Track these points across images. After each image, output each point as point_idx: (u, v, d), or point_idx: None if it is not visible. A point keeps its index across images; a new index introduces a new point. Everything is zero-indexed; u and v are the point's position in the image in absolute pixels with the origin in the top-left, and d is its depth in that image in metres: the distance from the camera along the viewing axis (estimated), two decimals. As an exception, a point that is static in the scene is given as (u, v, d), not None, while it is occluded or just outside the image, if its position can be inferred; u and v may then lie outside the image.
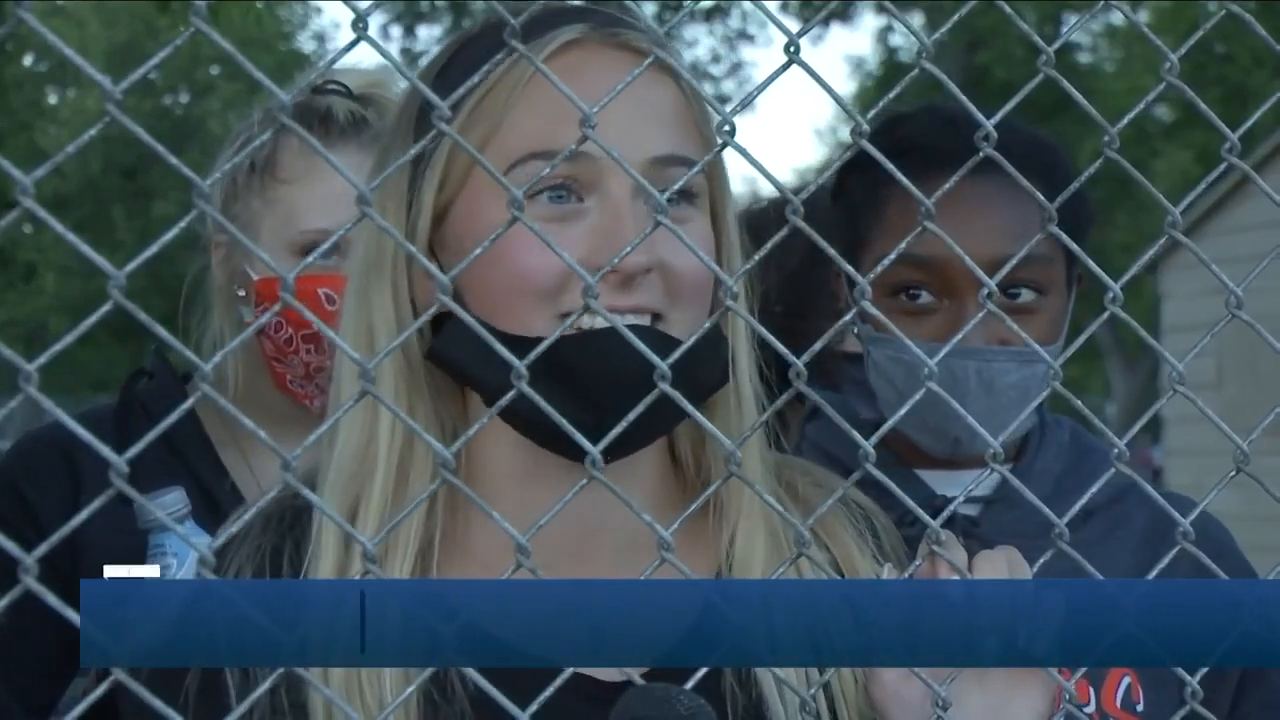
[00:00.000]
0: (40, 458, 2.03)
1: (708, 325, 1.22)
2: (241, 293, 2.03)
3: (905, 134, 1.72)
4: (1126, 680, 1.75)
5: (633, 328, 1.25)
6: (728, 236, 1.37)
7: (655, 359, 1.06)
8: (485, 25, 1.37)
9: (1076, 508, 1.26)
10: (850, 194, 1.78)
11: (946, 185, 1.20)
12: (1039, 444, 1.83)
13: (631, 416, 1.07)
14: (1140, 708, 1.74)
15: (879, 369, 1.77)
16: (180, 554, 1.83)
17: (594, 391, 1.15)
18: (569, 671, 1.02)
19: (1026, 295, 1.72)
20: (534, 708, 1.00)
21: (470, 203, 1.32)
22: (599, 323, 1.26)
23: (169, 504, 1.82)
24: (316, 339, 1.97)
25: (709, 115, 1.35)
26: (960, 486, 1.74)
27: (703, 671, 1.10)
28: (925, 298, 1.73)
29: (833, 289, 1.89)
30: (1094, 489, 1.30)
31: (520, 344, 1.20)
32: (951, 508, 1.26)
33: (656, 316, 1.28)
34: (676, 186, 1.20)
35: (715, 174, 1.38)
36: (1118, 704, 1.74)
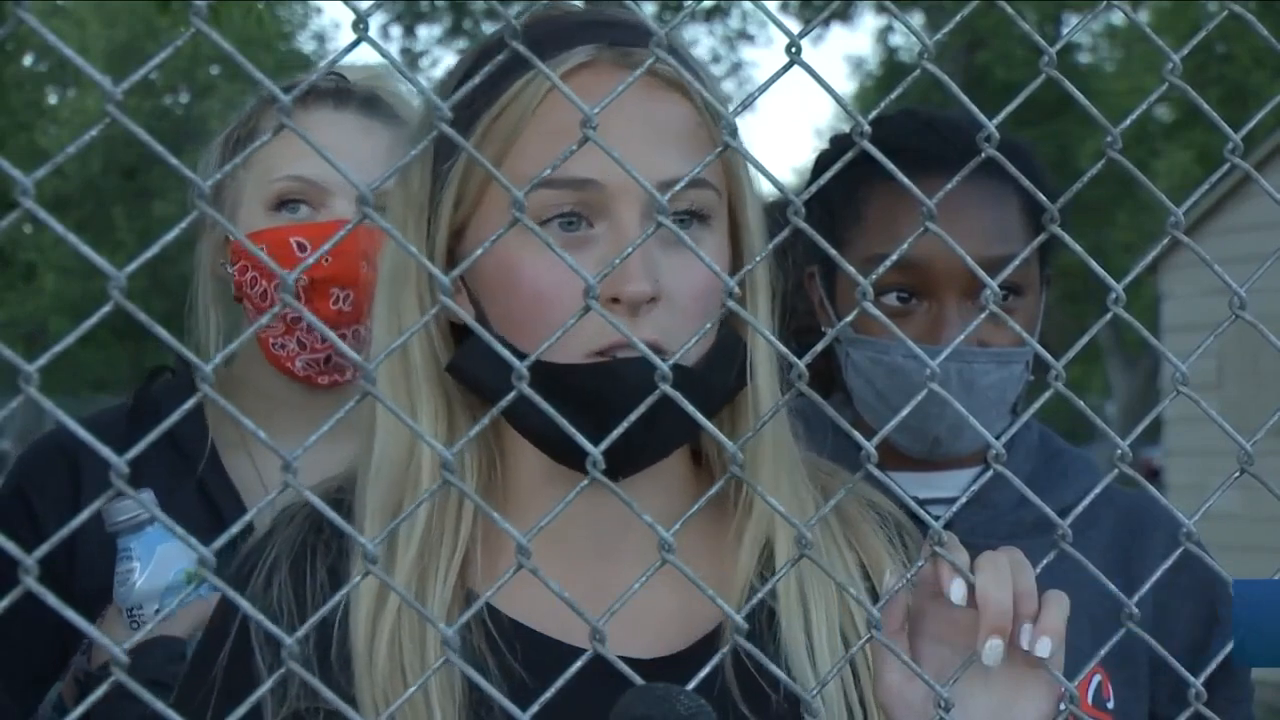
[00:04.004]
0: (44, 460, 2.02)
1: (709, 326, 1.21)
2: (230, 268, 1.99)
3: (882, 137, 1.72)
4: (1097, 679, 1.76)
5: (643, 358, 1.25)
6: (750, 257, 1.34)
7: (657, 361, 1.06)
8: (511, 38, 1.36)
9: (1081, 506, 1.26)
10: (827, 196, 1.77)
11: (949, 185, 1.20)
12: (1007, 446, 1.83)
13: (633, 417, 1.06)
14: (1111, 704, 1.76)
15: (858, 370, 1.77)
16: (143, 558, 1.80)
17: (609, 418, 1.12)
18: (578, 665, 1.02)
19: (1007, 297, 1.74)
20: (535, 709, 1.00)
21: (484, 220, 1.32)
22: (618, 354, 1.26)
23: (132, 507, 1.78)
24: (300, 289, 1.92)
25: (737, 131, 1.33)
26: (930, 488, 1.76)
27: (705, 671, 1.09)
28: (905, 299, 1.74)
29: (805, 291, 1.89)
30: (1097, 489, 1.30)
31: (544, 370, 1.20)
32: (955, 508, 1.26)
33: (658, 351, 1.27)
34: (674, 190, 1.19)
35: (737, 193, 1.35)
36: (1089, 702, 1.75)
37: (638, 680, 1.09)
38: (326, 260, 1.85)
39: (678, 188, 1.16)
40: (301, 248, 1.90)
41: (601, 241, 1.27)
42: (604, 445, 1.03)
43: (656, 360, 1.06)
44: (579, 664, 1.01)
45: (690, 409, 1.08)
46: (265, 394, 1.98)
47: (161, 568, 1.80)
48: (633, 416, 1.06)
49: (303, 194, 1.94)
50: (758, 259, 1.26)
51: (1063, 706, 1.24)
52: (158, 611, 1.79)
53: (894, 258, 1.20)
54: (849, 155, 1.16)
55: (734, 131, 1.13)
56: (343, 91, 2.01)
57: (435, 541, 1.33)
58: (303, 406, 1.96)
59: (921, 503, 1.23)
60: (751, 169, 1.34)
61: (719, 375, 1.32)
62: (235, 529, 0.91)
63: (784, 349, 1.18)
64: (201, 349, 2.00)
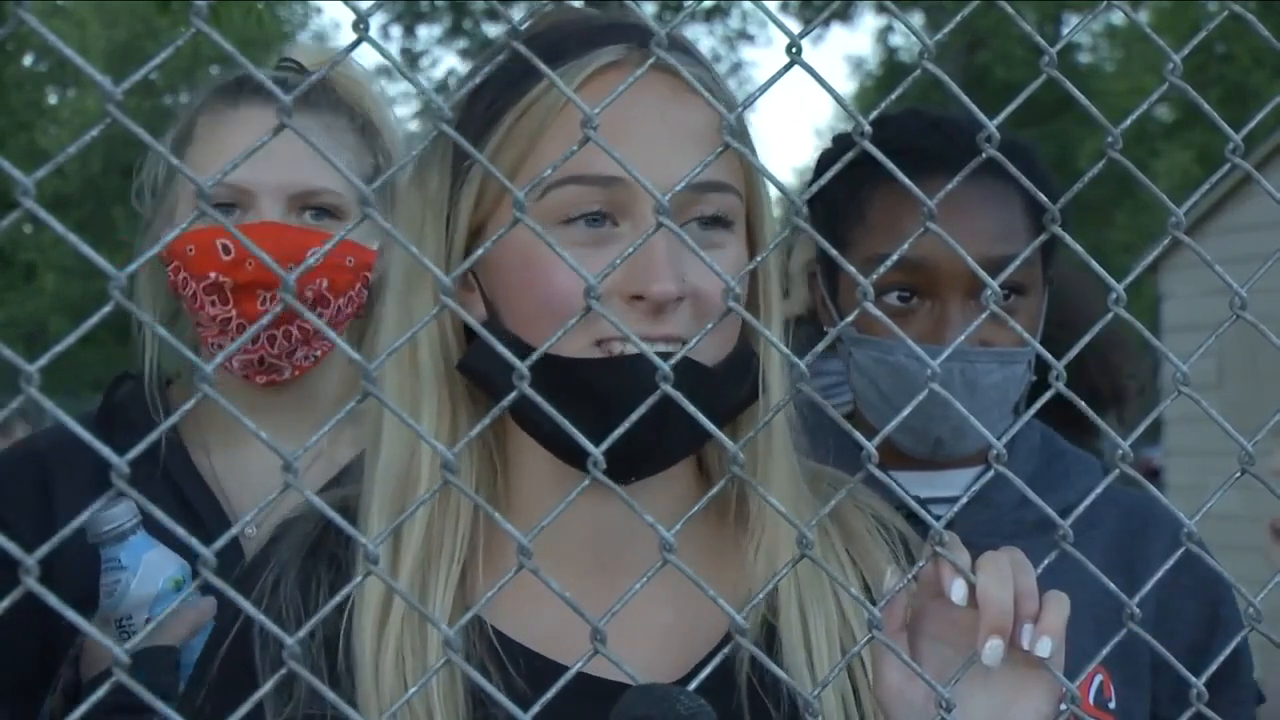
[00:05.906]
0: (11, 471, 2.03)
1: (710, 325, 1.21)
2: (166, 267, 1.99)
3: (889, 137, 1.72)
4: (1099, 679, 1.76)
5: (661, 355, 1.25)
6: (764, 262, 1.33)
7: (658, 361, 1.05)
8: (530, 38, 1.35)
9: (1083, 506, 1.26)
10: (831, 196, 1.76)
11: (949, 185, 1.20)
12: (1009, 446, 1.83)
13: (634, 418, 1.06)
14: (1112, 704, 1.76)
15: (861, 370, 1.77)
16: (131, 566, 1.80)
17: (617, 415, 1.09)
18: (573, 671, 1.01)
19: (1009, 296, 1.74)
20: (536, 709, 1.00)
21: (502, 220, 1.31)
22: (630, 349, 1.26)
23: (117, 516, 1.78)
24: (218, 289, 1.93)
25: (749, 135, 1.31)
26: (933, 487, 1.75)
27: (705, 672, 1.09)
28: (907, 299, 1.74)
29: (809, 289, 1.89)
30: (1098, 489, 1.30)
31: (552, 364, 1.20)
32: (956, 508, 1.26)
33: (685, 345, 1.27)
34: (685, 189, 1.18)
35: (754, 197, 1.35)
36: (1091, 701, 1.75)
37: (639, 681, 1.09)
38: (250, 264, 1.89)
39: (678, 187, 1.15)
40: (226, 250, 1.91)
41: (625, 240, 1.27)
42: (605, 445, 1.02)
43: (658, 361, 1.05)
44: (581, 664, 1.01)
45: (691, 409, 1.07)
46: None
47: (150, 576, 1.80)
48: (634, 416, 1.06)
49: (231, 198, 1.94)
50: (754, 261, 1.26)
51: (1064, 707, 1.24)
52: (148, 620, 1.78)
53: (894, 258, 1.20)
54: (850, 155, 1.15)
55: (734, 132, 1.13)
56: (280, 84, 2.00)
57: (434, 549, 1.33)
58: (255, 407, 1.95)
59: (923, 502, 1.23)
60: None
61: (732, 382, 1.32)
62: (236, 530, 0.91)
63: (786, 350, 1.18)
64: (146, 350, 2.01)
